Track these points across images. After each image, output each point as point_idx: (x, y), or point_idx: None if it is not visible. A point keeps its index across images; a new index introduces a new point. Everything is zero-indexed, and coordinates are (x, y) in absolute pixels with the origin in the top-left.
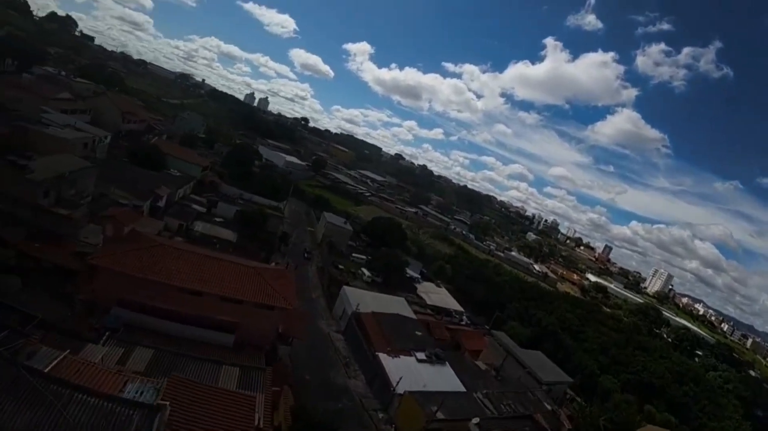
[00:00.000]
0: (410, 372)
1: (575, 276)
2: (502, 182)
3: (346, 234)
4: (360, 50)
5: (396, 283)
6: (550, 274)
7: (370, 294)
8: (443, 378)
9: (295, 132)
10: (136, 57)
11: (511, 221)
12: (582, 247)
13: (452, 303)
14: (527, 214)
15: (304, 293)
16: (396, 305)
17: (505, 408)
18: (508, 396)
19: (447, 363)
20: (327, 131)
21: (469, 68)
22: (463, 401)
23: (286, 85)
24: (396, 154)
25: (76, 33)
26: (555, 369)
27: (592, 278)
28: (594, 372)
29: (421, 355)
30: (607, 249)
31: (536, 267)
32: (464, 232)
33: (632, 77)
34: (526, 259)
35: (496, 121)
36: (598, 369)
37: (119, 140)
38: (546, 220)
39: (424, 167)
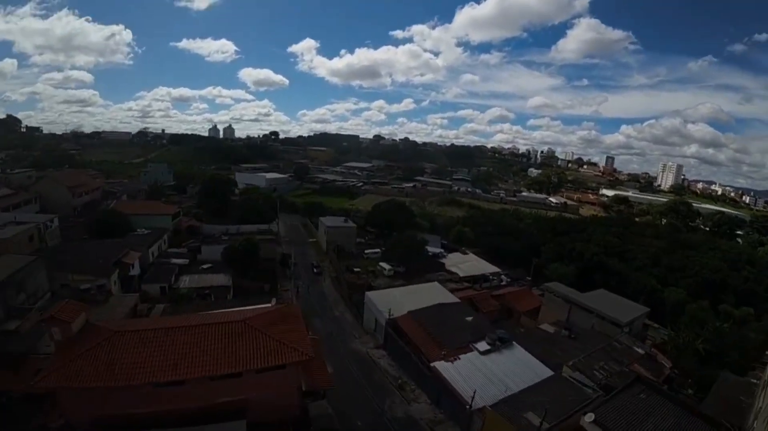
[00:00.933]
0: (480, 375)
1: (591, 197)
2: (485, 130)
3: (351, 232)
4: (306, 48)
5: (420, 267)
6: (569, 202)
7: (398, 290)
8: (520, 366)
9: (267, 148)
10: (92, 132)
11: (509, 164)
12: (585, 166)
13: (486, 267)
14: (521, 152)
15: (325, 312)
16: (430, 293)
17: (599, 373)
18: (595, 358)
19: (514, 343)
20: (300, 137)
21: (417, 29)
22: (554, 389)
23: (246, 108)
24: (375, 136)
25: (22, 129)
26: (626, 304)
27: (609, 192)
28: (655, 288)
29: (482, 346)
30: (610, 160)
31: (552, 199)
32: (468, 189)
33: None
34: (539, 195)
35: (460, 72)
36: (659, 283)
37: (74, 217)
38: (542, 151)
39: (405, 140)
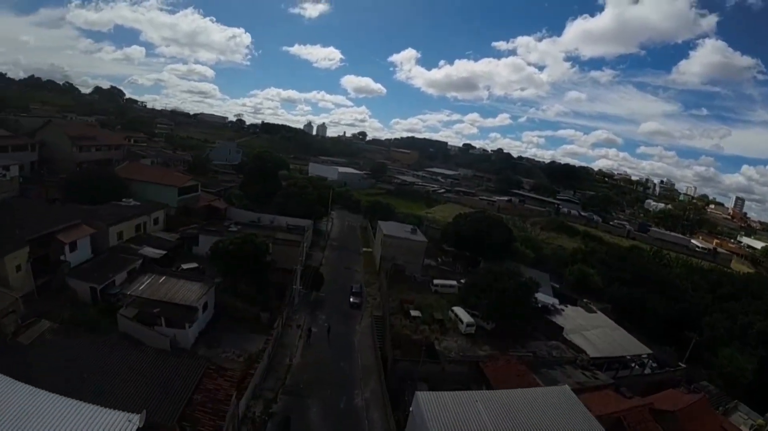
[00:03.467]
0: None
1: (731, 245)
2: (587, 153)
3: (418, 249)
4: (406, 58)
5: (520, 326)
6: (721, 250)
7: (483, 398)
8: None
9: (351, 146)
10: (193, 113)
11: (622, 191)
12: (712, 206)
13: (628, 343)
14: (635, 179)
15: (341, 392)
16: (553, 414)
17: None
18: None
19: None
20: (387, 140)
21: (523, 41)
22: None
23: (344, 113)
24: (464, 144)
25: (122, 101)
26: None
27: (752, 242)
28: None
29: None
30: (740, 201)
31: (697, 243)
32: (582, 214)
33: (707, 1)
34: (678, 235)
35: (565, 89)
36: None
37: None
38: (661, 181)
39: (499, 151)
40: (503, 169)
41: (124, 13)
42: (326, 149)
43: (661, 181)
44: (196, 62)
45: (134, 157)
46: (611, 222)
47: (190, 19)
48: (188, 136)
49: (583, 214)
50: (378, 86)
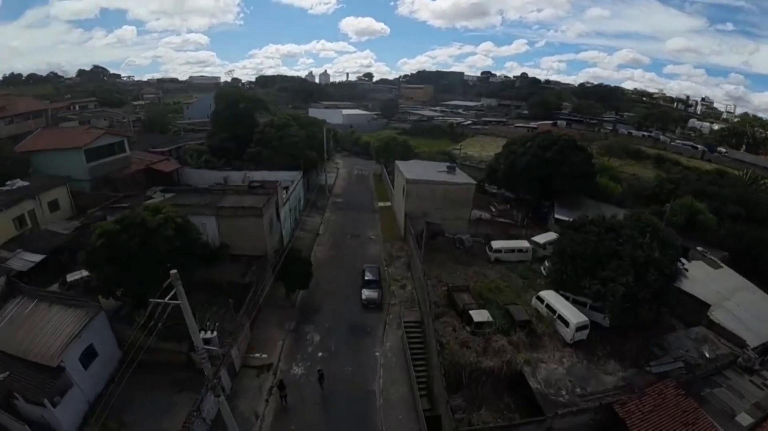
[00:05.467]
0: None
1: None
2: (611, 76)
3: (462, 196)
4: None
5: (647, 313)
6: None
7: None
8: None
9: (357, 87)
10: (184, 80)
11: (662, 111)
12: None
13: None
14: (677, 97)
15: None
16: None
17: None
18: None
19: None
20: (395, 79)
21: None
22: None
23: (348, 60)
24: (483, 72)
25: (105, 78)
26: None
27: None
28: None
29: None
30: None
31: None
32: (645, 134)
33: None
34: (757, 156)
35: (585, 6)
36: None
37: None
38: (704, 98)
39: (524, 75)
40: (532, 93)
41: None
42: (329, 94)
43: (703, 99)
44: (189, 31)
45: (58, 123)
46: (674, 143)
47: None
48: (176, 101)
49: (645, 134)
50: (380, 26)
